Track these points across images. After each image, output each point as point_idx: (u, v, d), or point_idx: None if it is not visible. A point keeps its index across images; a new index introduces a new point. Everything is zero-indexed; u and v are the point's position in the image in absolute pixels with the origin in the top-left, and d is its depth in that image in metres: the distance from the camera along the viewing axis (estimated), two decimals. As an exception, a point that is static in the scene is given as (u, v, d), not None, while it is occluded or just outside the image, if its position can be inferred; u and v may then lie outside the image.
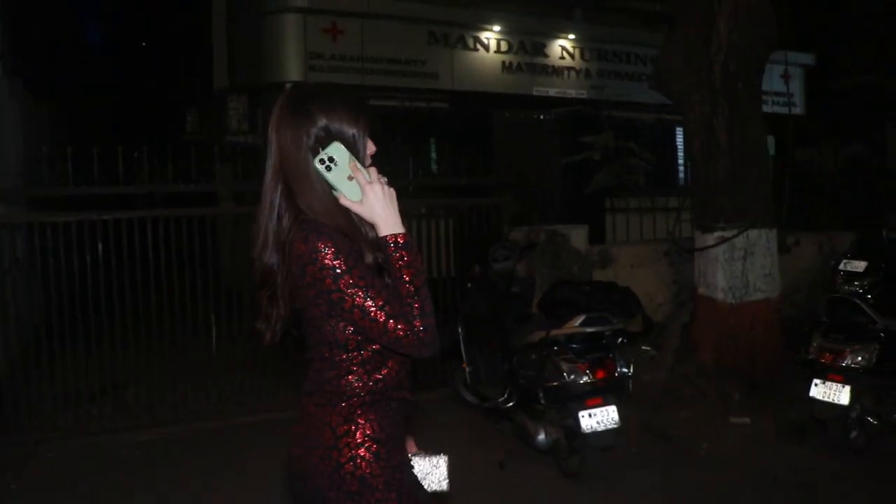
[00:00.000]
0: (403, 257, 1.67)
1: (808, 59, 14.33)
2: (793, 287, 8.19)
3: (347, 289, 1.62)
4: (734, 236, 6.15)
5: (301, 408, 1.80)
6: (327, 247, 1.63)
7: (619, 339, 4.76)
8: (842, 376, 4.76)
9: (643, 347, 6.71)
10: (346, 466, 1.70)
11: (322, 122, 1.72)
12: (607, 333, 4.72)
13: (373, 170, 1.73)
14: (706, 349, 6.40)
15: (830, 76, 15.73)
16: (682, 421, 5.61)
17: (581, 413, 4.47)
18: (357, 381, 1.73)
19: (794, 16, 14.54)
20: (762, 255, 6.25)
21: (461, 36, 11.09)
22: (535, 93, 11.51)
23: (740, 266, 6.21)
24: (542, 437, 4.71)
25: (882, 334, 4.74)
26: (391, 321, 1.62)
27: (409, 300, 1.65)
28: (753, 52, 6.02)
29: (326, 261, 1.62)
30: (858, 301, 4.87)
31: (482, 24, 11.17)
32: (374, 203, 1.68)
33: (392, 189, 1.72)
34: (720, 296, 6.28)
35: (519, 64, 11.49)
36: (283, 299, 1.77)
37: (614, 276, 7.09)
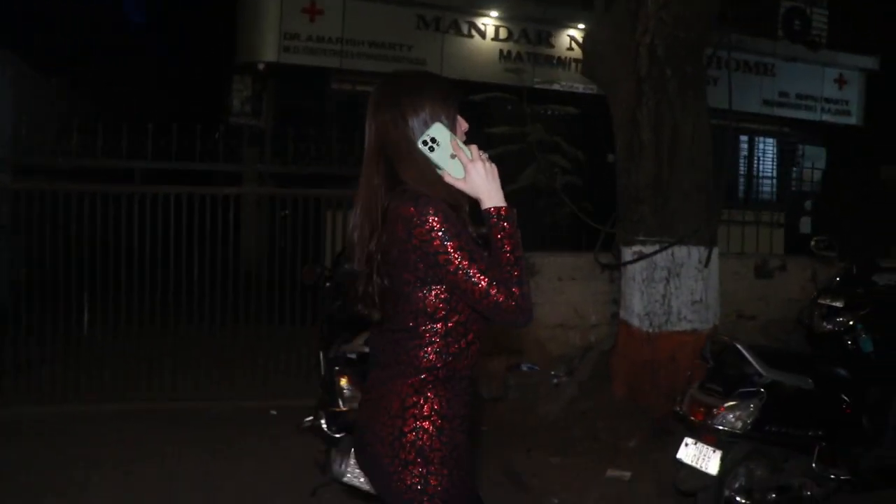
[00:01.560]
0: (504, 228, 1.75)
1: (869, 62, 12.72)
2: (770, 319, 7.05)
3: (455, 251, 1.69)
4: (653, 253, 5.15)
5: (371, 379, 1.91)
6: (437, 210, 1.70)
7: None
8: (714, 438, 3.75)
9: (551, 373, 5.80)
10: (408, 436, 1.77)
11: (415, 106, 1.82)
12: None
13: (474, 147, 1.79)
14: (620, 383, 5.43)
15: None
16: (552, 467, 4.69)
17: None
18: (434, 353, 1.80)
19: (852, 13, 13.06)
20: (691, 277, 5.21)
21: (454, 21, 10.30)
22: (536, 85, 10.53)
23: (661, 289, 5.20)
24: (336, 467, 3.92)
25: (763, 389, 3.70)
26: (493, 286, 1.69)
27: (507, 268, 1.72)
28: (686, 33, 5.00)
29: (436, 224, 1.70)
30: (740, 346, 3.81)
31: (478, 8, 10.34)
32: (477, 179, 1.77)
33: (494, 165, 1.79)
34: (636, 322, 5.29)
35: (519, 53, 10.60)
36: (381, 272, 1.82)
37: (536, 288, 6.18)
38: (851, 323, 4.86)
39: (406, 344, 1.82)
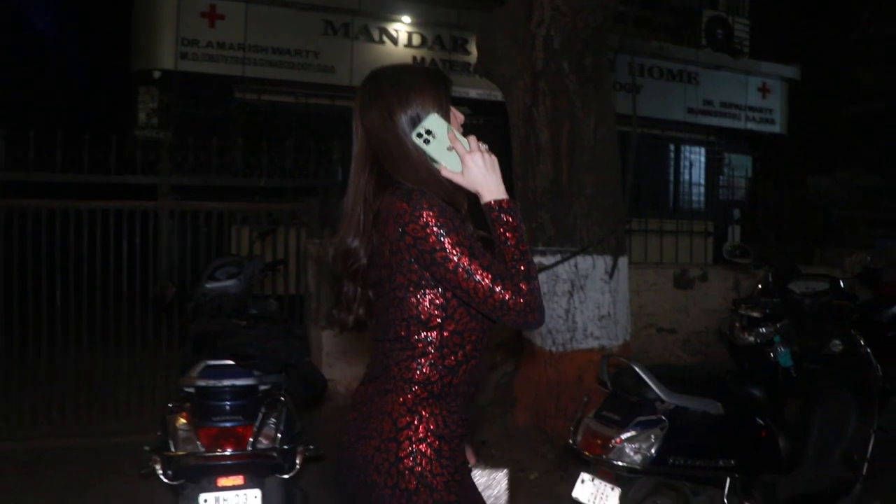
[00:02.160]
0: (507, 221, 1.61)
1: (790, 71, 12.67)
2: (691, 331, 6.68)
3: (453, 247, 1.56)
4: (554, 264, 4.68)
5: (358, 395, 1.75)
6: (432, 205, 1.58)
7: (276, 398, 3.35)
8: (613, 474, 3.26)
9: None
10: (406, 461, 1.62)
11: (403, 100, 1.69)
12: (263, 388, 3.35)
13: (472, 138, 1.67)
14: (522, 408, 4.93)
15: (833, 97, 14.01)
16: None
17: (203, 496, 3.13)
18: (429, 365, 1.66)
19: (773, 23, 13.04)
20: (597, 290, 4.76)
21: (365, 26, 9.79)
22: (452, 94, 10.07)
23: (564, 303, 4.73)
24: None
25: (664, 417, 3.22)
26: (497, 283, 1.56)
27: (512, 263, 1.59)
28: (584, 22, 4.56)
29: (431, 219, 1.58)
30: (638, 369, 3.33)
31: (390, 13, 9.85)
32: (475, 171, 1.64)
33: (494, 157, 1.67)
34: (538, 341, 4.81)
35: (434, 60, 10.13)
36: (367, 278, 1.74)
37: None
38: (770, 335, 4.49)
39: (397, 355, 1.68)
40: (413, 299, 1.65)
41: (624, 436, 3.21)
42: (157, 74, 9.28)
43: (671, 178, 12.75)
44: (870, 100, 18.46)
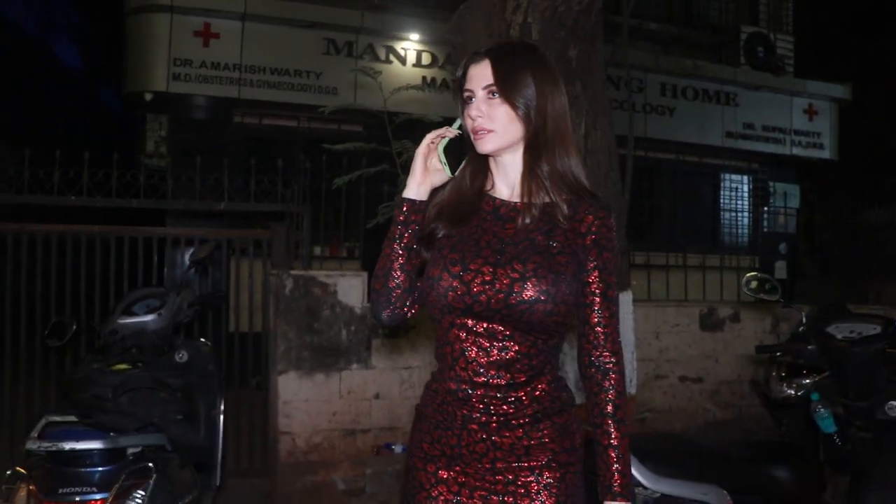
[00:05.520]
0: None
1: (839, 91, 11.62)
2: (721, 381, 5.71)
3: None
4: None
5: None
6: None
7: (145, 464, 2.60)
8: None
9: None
10: None
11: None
12: (134, 451, 2.62)
13: (431, 134, 1.68)
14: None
15: (890, 120, 12.86)
16: None
17: None
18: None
19: (820, 40, 12.02)
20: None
21: (370, 45, 9.15)
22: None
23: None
24: None
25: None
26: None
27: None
28: (565, 5, 3.76)
29: None
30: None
31: (397, 31, 9.20)
32: None
33: (420, 152, 1.66)
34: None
35: (445, 80, 9.41)
36: None
37: (410, 347, 4.87)
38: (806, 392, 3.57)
39: None
40: None
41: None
42: (148, 97, 8.76)
43: (711, 208, 11.73)
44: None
